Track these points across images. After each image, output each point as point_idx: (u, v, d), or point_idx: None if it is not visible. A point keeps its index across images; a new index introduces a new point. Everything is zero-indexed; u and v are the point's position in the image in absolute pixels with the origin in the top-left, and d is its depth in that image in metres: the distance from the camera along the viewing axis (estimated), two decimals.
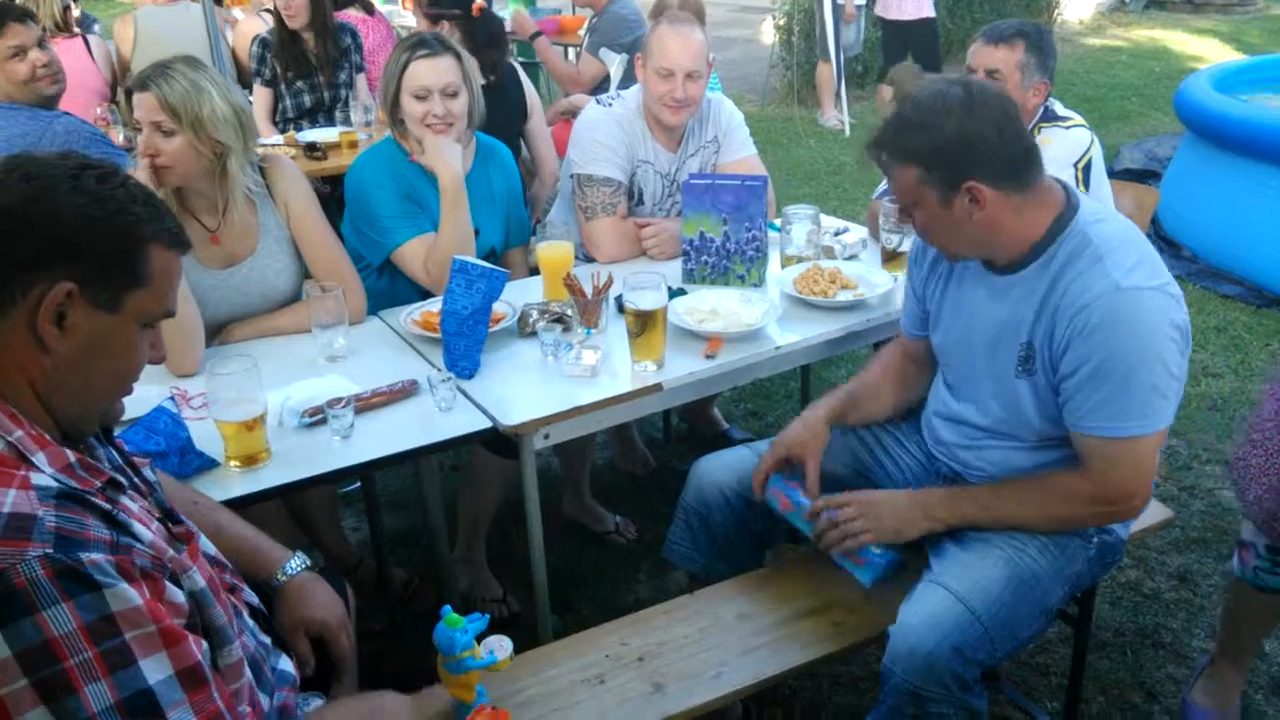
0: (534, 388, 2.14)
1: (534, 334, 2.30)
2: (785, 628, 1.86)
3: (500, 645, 1.64)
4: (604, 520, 3.03)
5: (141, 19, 4.79)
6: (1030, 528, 1.81)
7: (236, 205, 2.30)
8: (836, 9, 7.20)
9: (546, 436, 2.05)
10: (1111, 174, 3.00)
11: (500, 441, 2.08)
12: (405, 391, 2.11)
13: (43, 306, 1.14)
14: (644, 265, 2.69)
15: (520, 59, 5.24)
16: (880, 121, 1.76)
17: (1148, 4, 11.91)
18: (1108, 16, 11.57)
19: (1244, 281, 4.47)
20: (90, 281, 1.16)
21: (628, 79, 4.24)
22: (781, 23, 8.60)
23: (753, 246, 2.56)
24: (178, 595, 1.19)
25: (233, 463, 1.87)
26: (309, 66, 4.36)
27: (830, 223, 2.97)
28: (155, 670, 1.09)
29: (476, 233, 2.60)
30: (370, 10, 5.09)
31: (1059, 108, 2.76)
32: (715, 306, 2.38)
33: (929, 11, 6.59)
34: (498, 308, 2.29)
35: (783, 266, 2.64)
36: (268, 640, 1.48)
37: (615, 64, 4.50)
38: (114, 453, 1.35)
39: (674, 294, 2.40)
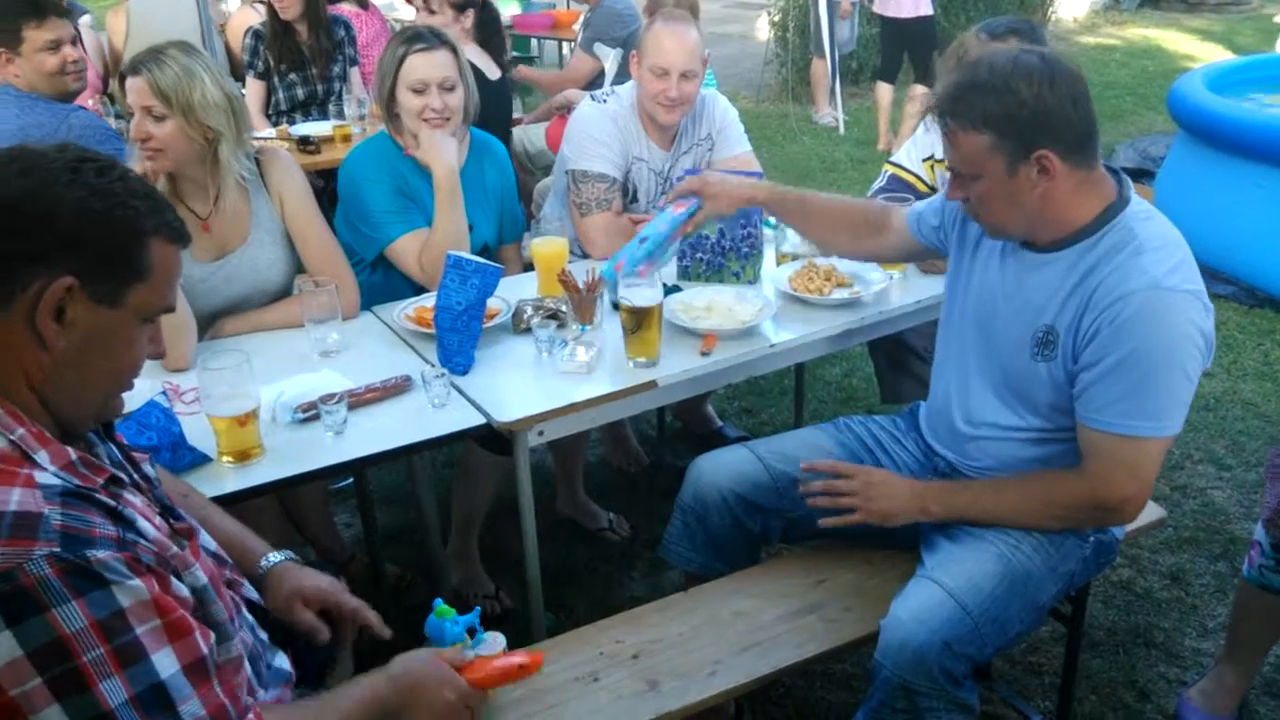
0: (528, 384, 2.13)
1: (528, 330, 2.30)
2: (780, 625, 1.85)
3: (493, 640, 1.63)
4: (598, 517, 3.03)
5: (134, 10, 4.76)
6: (1024, 526, 1.81)
7: (228, 192, 2.30)
8: (831, 6, 7.20)
9: (541, 433, 2.04)
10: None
11: (494, 438, 2.07)
12: (399, 387, 2.10)
13: (42, 302, 1.13)
14: None
15: (515, 53, 5.22)
16: (944, 85, 1.70)
17: (1142, 3, 11.93)
18: (1102, 15, 11.58)
19: (1236, 281, 4.48)
20: (90, 276, 1.15)
21: (623, 74, 4.23)
22: (777, 19, 8.59)
23: (748, 244, 2.56)
24: (182, 589, 1.19)
25: (225, 458, 1.86)
26: (302, 59, 4.34)
27: None
28: (166, 664, 1.10)
29: (470, 228, 2.59)
30: (364, 4, 5.08)
31: None
32: (710, 304, 2.37)
33: (927, 10, 6.59)
34: (492, 303, 2.28)
35: (778, 264, 2.63)
36: (264, 636, 1.47)
37: (610, 58, 4.49)
38: (114, 448, 1.34)
39: (669, 291, 2.39)
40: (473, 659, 1.52)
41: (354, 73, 4.51)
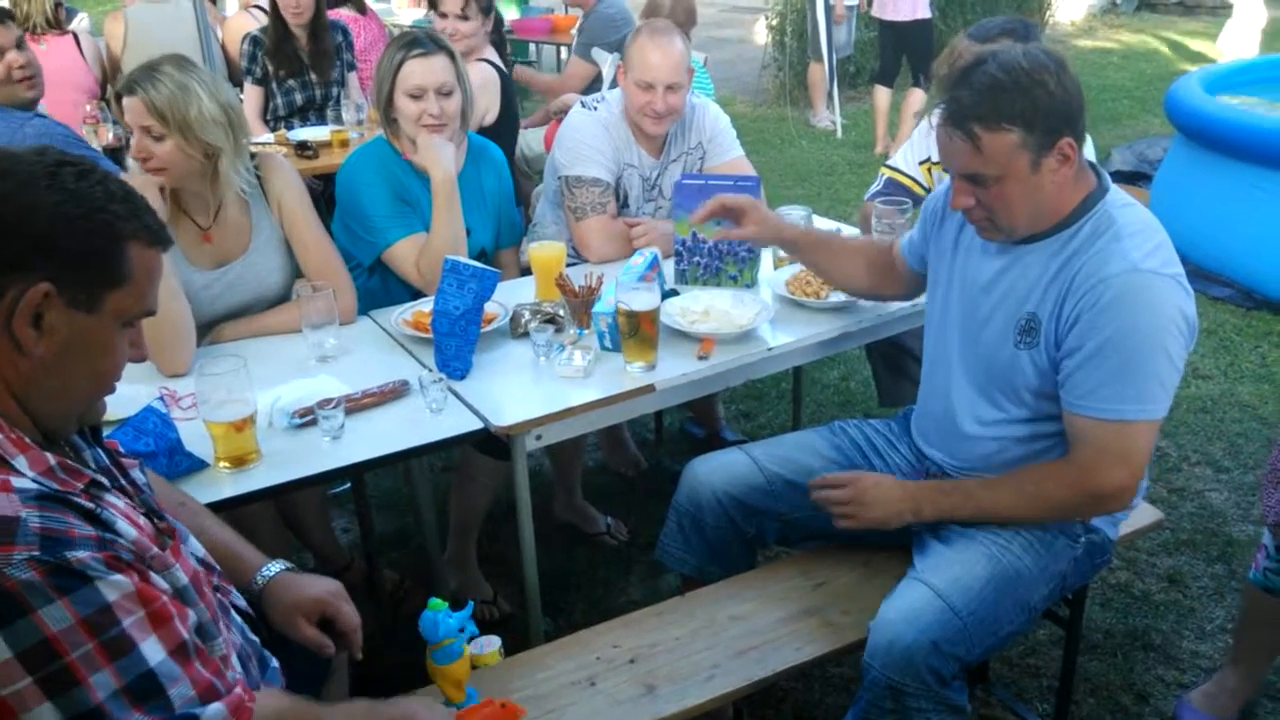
0: (526, 388, 2.13)
1: (526, 335, 2.30)
2: (777, 629, 1.85)
3: (489, 642, 1.64)
4: (595, 521, 3.03)
5: (131, 16, 4.76)
6: (1019, 520, 1.82)
7: (229, 205, 2.30)
8: (829, 10, 7.21)
9: (538, 437, 2.04)
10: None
11: (492, 442, 2.07)
12: (396, 392, 2.10)
13: (19, 308, 1.12)
14: None
15: (515, 58, 5.23)
16: (960, 94, 1.68)
17: (1139, 6, 11.96)
18: (1099, 18, 11.61)
19: (1234, 284, 4.49)
20: (68, 281, 1.14)
21: None
22: (774, 23, 8.60)
23: (745, 247, 2.56)
24: (161, 583, 1.20)
25: (222, 464, 1.86)
26: (301, 65, 4.35)
27: (822, 223, 2.97)
28: (154, 652, 1.12)
29: (468, 233, 2.59)
30: (362, 9, 5.08)
31: None
32: (708, 307, 2.38)
33: (925, 13, 6.60)
34: (490, 308, 2.28)
35: (775, 267, 2.63)
36: (256, 640, 1.47)
37: (608, 63, 4.50)
38: (101, 453, 1.33)
39: (666, 295, 2.39)
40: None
41: (352, 78, 4.52)
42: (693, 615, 1.89)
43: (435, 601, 1.58)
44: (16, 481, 1.12)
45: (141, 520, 1.25)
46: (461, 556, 2.70)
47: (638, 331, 2.11)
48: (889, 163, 2.92)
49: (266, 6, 4.33)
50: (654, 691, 1.71)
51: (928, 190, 2.82)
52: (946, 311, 1.95)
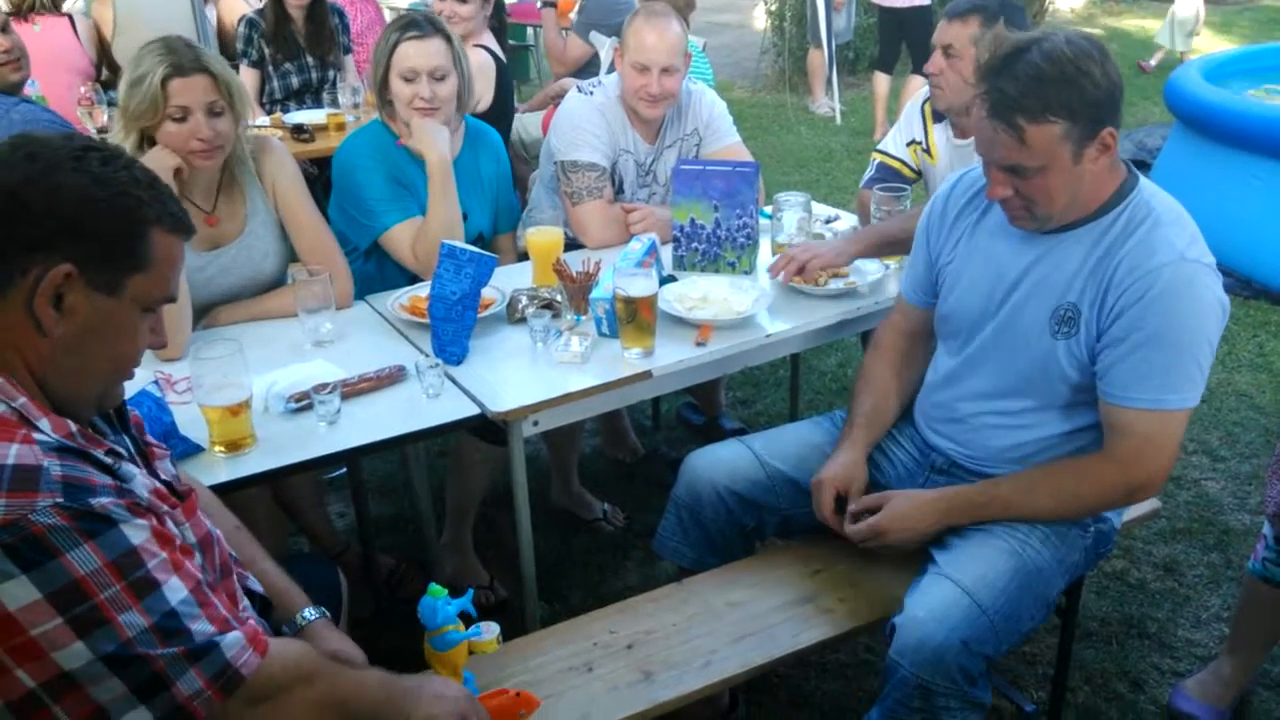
0: (523, 374, 2.13)
1: (523, 320, 2.29)
2: (774, 616, 1.85)
3: (487, 628, 1.63)
4: (592, 508, 3.02)
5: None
6: (1049, 519, 1.81)
7: (225, 188, 2.29)
8: None
9: (535, 423, 2.04)
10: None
11: (488, 428, 2.06)
12: (392, 377, 2.09)
13: (40, 288, 1.15)
14: None
15: (512, 41, 5.19)
16: (1003, 86, 1.64)
17: None
18: (1099, 6, 11.58)
19: (1232, 272, 4.48)
20: (90, 264, 1.17)
21: None
22: (774, 8, 8.57)
23: (744, 233, 2.55)
24: (173, 529, 1.25)
25: (217, 448, 1.85)
26: (297, 48, 4.32)
27: (821, 210, 2.96)
28: (176, 591, 1.16)
29: (465, 217, 2.58)
30: None
31: None
32: (706, 294, 2.37)
33: None
34: (486, 293, 2.27)
35: (773, 254, 2.62)
36: (265, 623, 1.47)
37: (606, 47, 4.47)
38: (127, 440, 1.35)
39: (664, 281, 2.39)
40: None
41: (348, 61, 4.49)
42: (689, 601, 1.89)
43: (435, 588, 1.58)
44: (38, 435, 1.14)
45: (157, 484, 1.30)
46: (458, 541, 2.70)
47: (635, 317, 2.10)
48: (879, 147, 2.90)
49: None
50: (651, 677, 1.71)
51: (916, 171, 2.81)
52: (967, 303, 1.91)
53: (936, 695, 1.68)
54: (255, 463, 1.85)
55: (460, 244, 2.18)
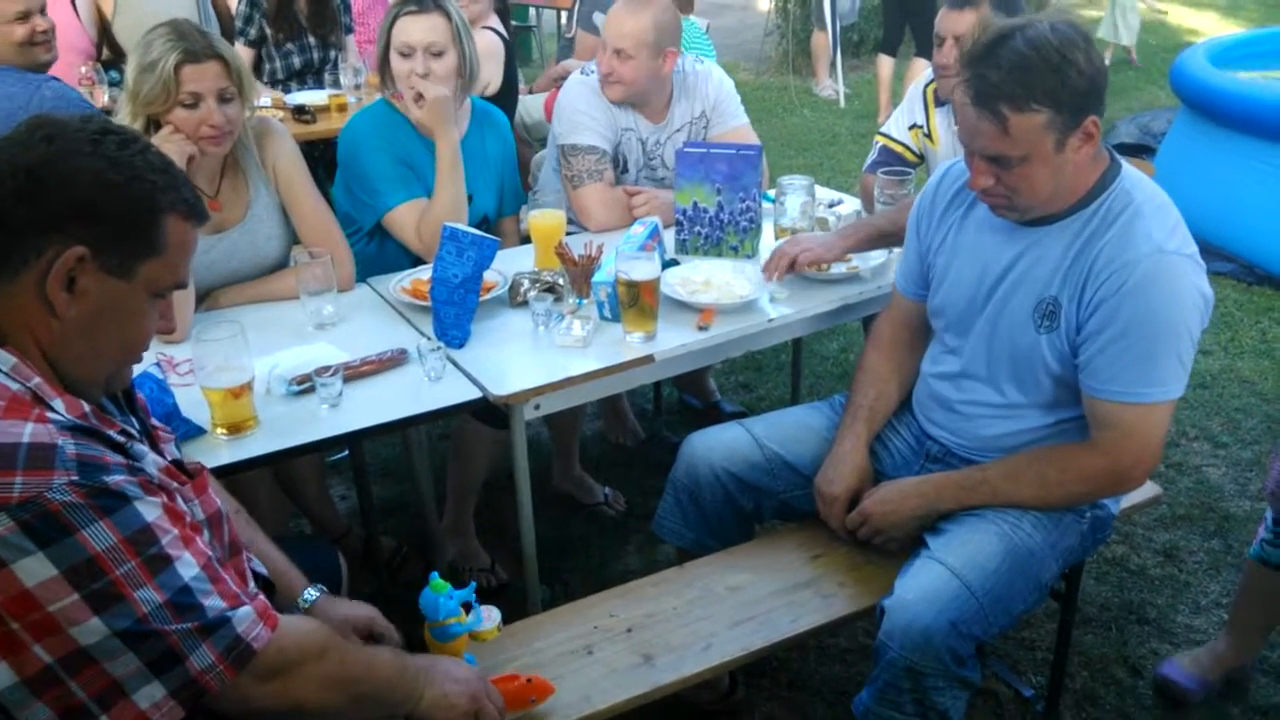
0: (525, 358, 2.12)
1: (525, 303, 2.28)
2: (774, 600, 1.85)
3: (488, 615, 1.64)
4: (593, 491, 3.03)
5: None
6: (1034, 506, 1.81)
7: (235, 169, 2.30)
8: None
9: (537, 407, 2.04)
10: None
11: (490, 411, 2.06)
12: (394, 360, 2.09)
13: (54, 270, 1.15)
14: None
15: (515, 22, 5.16)
16: (987, 74, 1.62)
17: None
18: None
19: (1236, 258, 4.47)
20: (103, 247, 1.17)
21: None
22: None
23: (746, 217, 2.54)
24: (182, 505, 1.26)
25: (219, 430, 1.85)
26: (299, 28, 4.29)
27: (824, 194, 2.95)
28: (188, 567, 1.18)
29: (470, 199, 2.57)
30: None
31: None
32: (708, 278, 2.36)
33: None
34: (489, 276, 2.27)
35: (776, 238, 2.61)
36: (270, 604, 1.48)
37: None
38: (134, 421, 1.36)
39: (667, 264, 2.38)
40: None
41: (350, 41, 4.46)
42: (690, 585, 1.90)
43: (437, 582, 1.58)
44: (52, 415, 1.15)
45: (165, 463, 1.31)
46: (459, 524, 2.71)
47: (638, 301, 2.10)
48: (882, 130, 2.89)
49: None
50: (651, 660, 1.72)
51: (919, 155, 2.80)
52: (956, 297, 1.91)
53: (925, 677, 1.69)
54: (257, 445, 1.85)
55: (463, 227, 2.17)
